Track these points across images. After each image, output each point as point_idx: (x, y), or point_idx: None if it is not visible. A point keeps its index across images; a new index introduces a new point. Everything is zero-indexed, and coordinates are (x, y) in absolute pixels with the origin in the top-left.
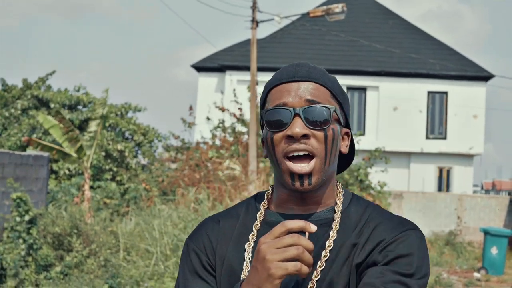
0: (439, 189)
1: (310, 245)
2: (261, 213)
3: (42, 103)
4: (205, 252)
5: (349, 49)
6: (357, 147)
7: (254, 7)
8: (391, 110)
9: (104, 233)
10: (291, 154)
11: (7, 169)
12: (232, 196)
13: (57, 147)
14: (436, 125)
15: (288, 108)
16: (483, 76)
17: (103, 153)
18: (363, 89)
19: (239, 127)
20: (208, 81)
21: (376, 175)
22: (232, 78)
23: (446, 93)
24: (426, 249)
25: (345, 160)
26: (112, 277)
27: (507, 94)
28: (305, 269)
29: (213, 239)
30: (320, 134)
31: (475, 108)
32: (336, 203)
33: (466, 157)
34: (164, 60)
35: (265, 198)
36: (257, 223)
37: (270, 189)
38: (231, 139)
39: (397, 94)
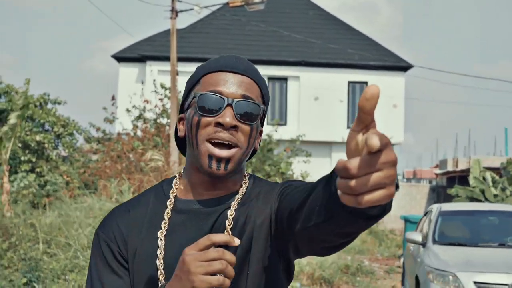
0: None
1: (233, 259)
2: (170, 201)
3: None
4: (116, 242)
5: (269, 40)
6: (278, 137)
7: None
8: (312, 100)
9: (24, 225)
10: (215, 141)
11: None
12: None
13: None
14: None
15: (223, 96)
16: (402, 66)
17: (20, 144)
18: (284, 79)
19: (161, 118)
20: (129, 71)
21: (298, 165)
22: (152, 68)
23: (366, 83)
24: None
25: None
26: (31, 270)
27: (426, 84)
28: (227, 282)
29: (124, 229)
30: (247, 128)
31: (394, 98)
32: (242, 187)
33: None
34: (80, 51)
35: (173, 186)
36: (168, 211)
37: (177, 175)
38: (152, 130)
39: (317, 84)
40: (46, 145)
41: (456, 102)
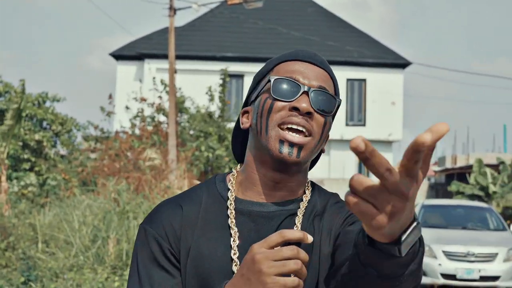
0: None
1: (307, 258)
2: (231, 202)
3: None
4: (167, 239)
5: (267, 37)
6: None
7: None
8: None
9: (23, 225)
10: (288, 126)
11: None
12: (152, 185)
13: None
14: (355, 112)
15: (300, 83)
16: (400, 63)
17: (20, 143)
18: None
19: (159, 116)
20: (127, 69)
21: None
22: (150, 66)
23: (364, 80)
24: None
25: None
26: (29, 269)
27: (424, 81)
28: (301, 284)
29: (176, 225)
30: (321, 119)
31: (393, 95)
32: (305, 193)
33: (385, 144)
34: (78, 49)
35: (228, 184)
36: (231, 211)
37: (234, 170)
38: (150, 128)
39: None
40: (44, 144)
41: (455, 99)
